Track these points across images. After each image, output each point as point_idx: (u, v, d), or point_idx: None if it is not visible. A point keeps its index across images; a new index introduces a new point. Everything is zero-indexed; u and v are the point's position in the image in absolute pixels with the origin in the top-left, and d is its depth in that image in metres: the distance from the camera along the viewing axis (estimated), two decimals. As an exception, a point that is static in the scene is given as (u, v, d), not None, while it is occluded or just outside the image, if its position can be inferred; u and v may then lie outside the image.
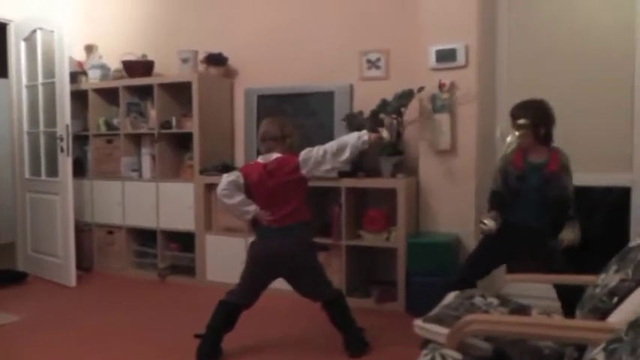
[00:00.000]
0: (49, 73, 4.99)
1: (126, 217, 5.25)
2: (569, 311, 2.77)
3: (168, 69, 5.23)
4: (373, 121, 4.11)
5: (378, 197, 4.41)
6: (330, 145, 3.22)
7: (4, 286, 4.83)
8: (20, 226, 5.46)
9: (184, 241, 5.03)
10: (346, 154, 3.21)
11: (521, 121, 3.15)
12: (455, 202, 4.09)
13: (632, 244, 2.13)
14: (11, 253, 5.55)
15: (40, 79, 5.12)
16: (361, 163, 4.23)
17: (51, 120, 5.01)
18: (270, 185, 3.18)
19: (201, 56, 5.07)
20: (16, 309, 4.22)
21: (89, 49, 5.62)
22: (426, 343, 2.17)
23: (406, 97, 4.10)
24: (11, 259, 5.49)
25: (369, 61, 4.64)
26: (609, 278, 2.03)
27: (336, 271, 4.20)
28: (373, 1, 4.63)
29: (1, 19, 5.28)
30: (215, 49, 5.09)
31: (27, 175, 5.39)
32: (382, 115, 4.19)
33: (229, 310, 3.23)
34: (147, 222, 5.13)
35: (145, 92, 5.18)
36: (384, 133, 3.39)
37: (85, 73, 5.51)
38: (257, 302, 3.28)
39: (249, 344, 3.44)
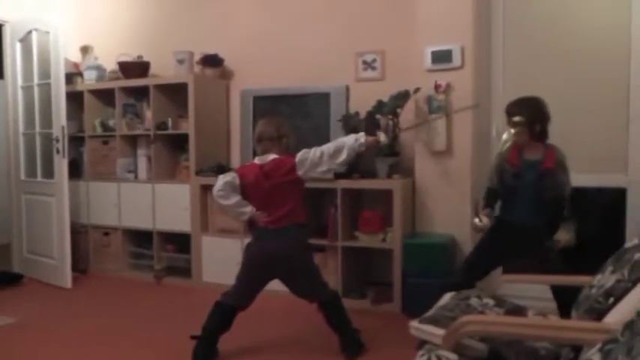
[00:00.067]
0: (45, 74, 4.98)
1: (122, 218, 5.24)
2: (564, 312, 2.77)
3: (164, 70, 5.23)
4: (370, 123, 4.11)
5: (374, 198, 4.41)
6: (327, 147, 3.21)
7: (-1, 288, 4.82)
8: (16, 228, 5.44)
9: (180, 242, 5.02)
10: (343, 156, 3.20)
11: (517, 119, 3.16)
12: (451, 203, 4.09)
13: (628, 244, 2.14)
14: (7, 255, 5.53)
15: (36, 80, 5.11)
16: (357, 164, 4.23)
17: (47, 121, 5.00)
18: (267, 186, 3.18)
19: (197, 57, 5.07)
20: (11, 311, 4.20)
21: (85, 50, 5.61)
22: (421, 344, 2.17)
23: (402, 98, 4.10)
24: (7, 261, 5.47)
25: (364, 62, 4.64)
26: (605, 279, 2.03)
27: (332, 272, 4.20)
28: (369, 2, 4.64)
29: (-3, 20, 5.28)
30: (211, 50, 5.08)
31: (23, 176, 5.38)
32: (378, 116, 4.19)
33: (225, 312, 3.23)
34: (143, 223, 5.12)
35: (141, 93, 5.17)
36: (382, 137, 3.38)
37: (80, 74, 5.50)
38: (253, 303, 3.28)
39: (245, 345, 3.44)
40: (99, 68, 5.44)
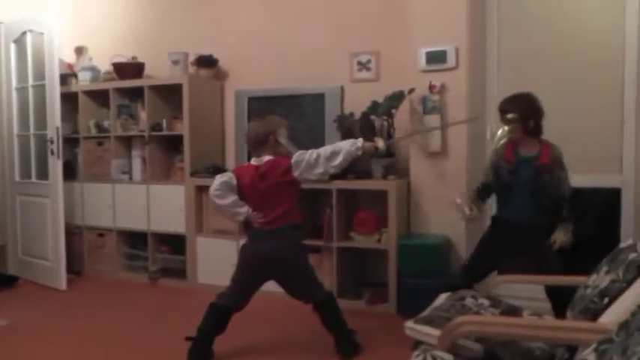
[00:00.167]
0: (39, 75, 4.96)
1: (116, 219, 5.23)
2: (560, 312, 2.78)
3: (159, 71, 5.22)
4: (365, 124, 4.12)
5: (369, 199, 4.41)
6: (324, 150, 3.21)
7: (-7, 290, 4.80)
8: (10, 229, 5.42)
9: (175, 243, 5.01)
10: (339, 159, 3.19)
11: (510, 116, 3.16)
12: (446, 204, 4.08)
13: (622, 245, 2.15)
14: (1, 257, 5.49)
15: (30, 82, 5.08)
16: (352, 165, 4.22)
17: (41, 122, 4.98)
18: (262, 187, 3.17)
19: (191, 58, 5.06)
20: (6, 313, 4.19)
21: (79, 51, 5.60)
22: (417, 344, 2.17)
23: (397, 98, 4.11)
24: (1, 263, 5.44)
25: (359, 62, 4.64)
26: (600, 279, 2.04)
27: (327, 273, 4.20)
28: (363, 2, 4.64)
29: (-9, 21, 5.26)
30: (205, 51, 5.08)
31: (17, 177, 5.36)
32: (373, 117, 4.20)
33: (220, 313, 3.22)
34: (137, 224, 5.11)
35: (136, 94, 5.15)
36: (380, 143, 3.37)
37: (75, 75, 5.48)
38: (248, 304, 3.28)
39: (240, 347, 3.44)
40: (93, 69, 5.42)
